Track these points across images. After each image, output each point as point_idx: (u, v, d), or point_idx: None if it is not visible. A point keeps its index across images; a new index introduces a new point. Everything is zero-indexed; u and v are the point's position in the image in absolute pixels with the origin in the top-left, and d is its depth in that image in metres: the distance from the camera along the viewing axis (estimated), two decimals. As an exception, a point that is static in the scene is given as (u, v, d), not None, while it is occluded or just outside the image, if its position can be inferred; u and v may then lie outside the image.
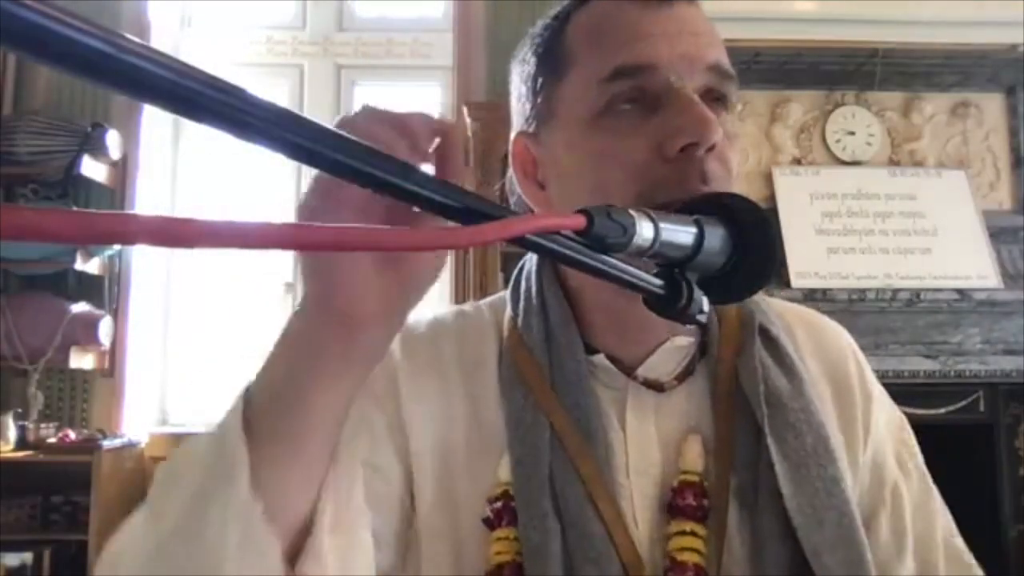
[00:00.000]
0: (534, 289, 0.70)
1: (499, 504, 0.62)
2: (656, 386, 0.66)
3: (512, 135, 0.70)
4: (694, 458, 0.64)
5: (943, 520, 0.70)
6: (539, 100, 0.66)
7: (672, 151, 0.58)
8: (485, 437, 0.66)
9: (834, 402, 0.69)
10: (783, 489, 0.60)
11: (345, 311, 0.44)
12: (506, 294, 0.74)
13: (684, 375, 0.67)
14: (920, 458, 0.72)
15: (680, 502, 0.62)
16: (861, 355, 0.74)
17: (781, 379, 0.65)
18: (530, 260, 0.73)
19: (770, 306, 0.72)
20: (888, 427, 0.71)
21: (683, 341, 0.67)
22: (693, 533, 0.61)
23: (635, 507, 0.64)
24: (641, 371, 0.66)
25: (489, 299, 0.76)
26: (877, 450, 0.69)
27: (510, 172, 0.72)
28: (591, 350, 0.67)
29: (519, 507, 0.61)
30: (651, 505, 0.64)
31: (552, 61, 0.65)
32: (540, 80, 0.66)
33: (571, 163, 0.63)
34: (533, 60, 0.68)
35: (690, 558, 0.61)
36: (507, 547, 0.61)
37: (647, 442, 0.66)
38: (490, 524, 0.63)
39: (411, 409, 0.66)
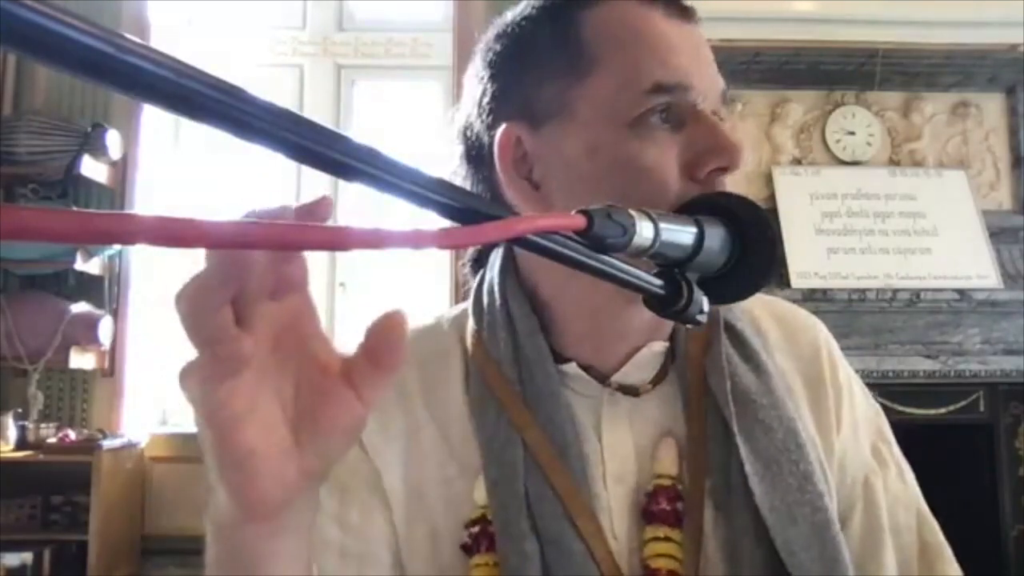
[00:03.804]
0: (498, 302, 0.67)
1: (476, 528, 0.62)
2: (631, 391, 0.65)
3: (492, 122, 0.65)
4: (668, 462, 0.63)
5: (920, 511, 0.69)
6: (547, 94, 0.62)
7: (703, 172, 0.59)
8: (458, 461, 0.65)
9: (807, 397, 0.68)
10: (754, 488, 0.60)
11: (265, 502, 0.39)
12: (468, 307, 0.71)
13: (658, 379, 0.66)
14: (897, 448, 0.71)
15: (654, 507, 0.62)
16: (835, 346, 0.72)
17: (748, 375, 0.65)
18: (490, 271, 0.70)
19: None
20: (864, 419, 0.70)
21: (659, 347, 0.66)
22: (668, 539, 0.61)
23: (613, 517, 0.63)
24: (616, 378, 0.65)
25: (449, 313, 0.73)
26: (851, 443, 0.68)
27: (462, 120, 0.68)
28: (562, 359, 0.65)
29: (497, 530, 0.60)
30: (628, 513, 0.63)
31: (568, 56, 0.62)
32: (550, 73, 0.62)
33: (591, 167, 0.60)
34: (538, 49, 0.63)
35: (664, 564, 0.60)
36: (487, 573, 0.60)
37: (623, 449, 0.65)
38: (468, 550, 0.62)
39: (379, 447, 0.65)
